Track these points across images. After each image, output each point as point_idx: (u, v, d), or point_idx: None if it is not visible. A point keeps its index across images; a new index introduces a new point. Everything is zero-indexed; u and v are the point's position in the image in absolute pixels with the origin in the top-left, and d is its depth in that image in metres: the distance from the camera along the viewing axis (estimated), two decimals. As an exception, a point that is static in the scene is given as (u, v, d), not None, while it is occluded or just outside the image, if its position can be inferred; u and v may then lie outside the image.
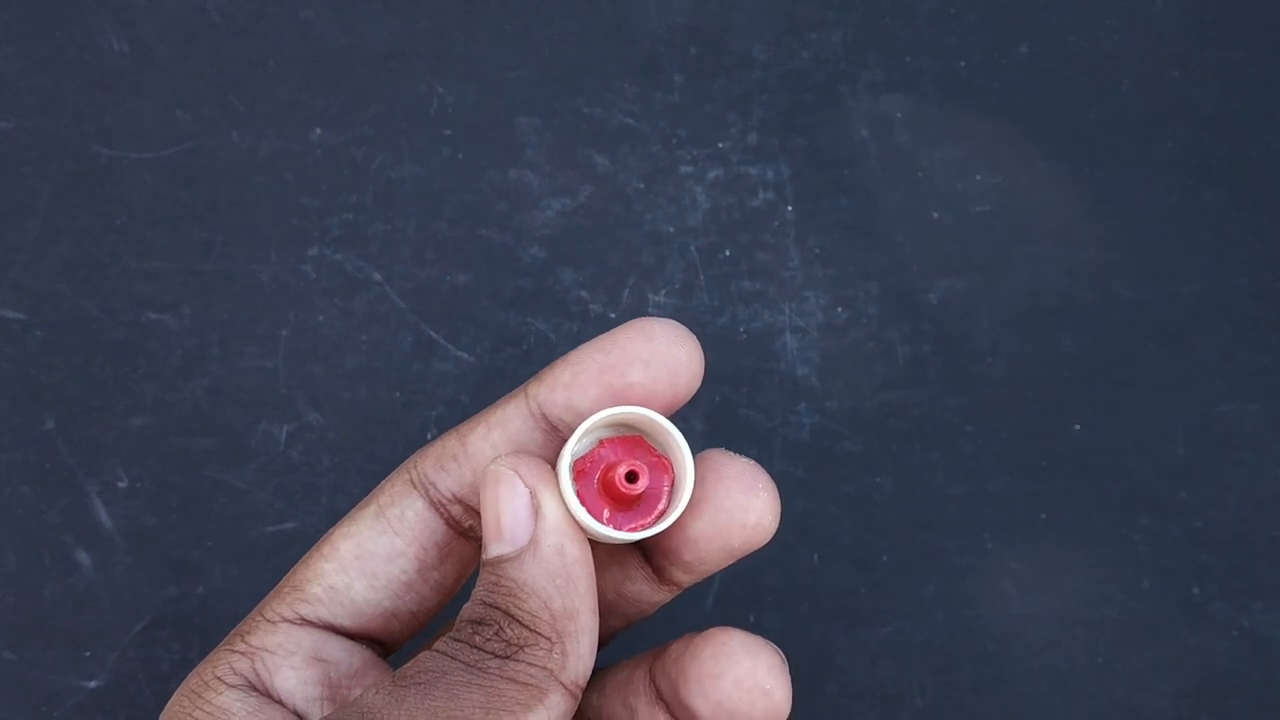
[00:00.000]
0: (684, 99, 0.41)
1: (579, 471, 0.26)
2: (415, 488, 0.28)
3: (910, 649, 0.39)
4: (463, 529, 0.28)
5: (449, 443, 0.28)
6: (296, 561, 0.39)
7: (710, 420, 0.40)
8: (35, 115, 0.40)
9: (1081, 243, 0.41)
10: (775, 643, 0.39)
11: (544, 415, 0.27)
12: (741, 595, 0.39)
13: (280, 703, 0.27)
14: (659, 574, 0.28)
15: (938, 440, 0.40)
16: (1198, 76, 0.42)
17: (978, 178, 0.42)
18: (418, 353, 0.40)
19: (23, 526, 0.39)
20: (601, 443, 0.26)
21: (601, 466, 0.26)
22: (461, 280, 0.40)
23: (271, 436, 0.40)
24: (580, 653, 0.25)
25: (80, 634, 0.39)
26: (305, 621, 0.28)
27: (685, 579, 0.28)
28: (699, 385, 0.27)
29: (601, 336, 0.27)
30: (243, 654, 0.27)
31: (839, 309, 0.41)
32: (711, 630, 0.27)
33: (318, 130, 0.41)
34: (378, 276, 0.40)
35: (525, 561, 0.25)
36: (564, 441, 0.27)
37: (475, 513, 0.28)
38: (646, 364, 0.26)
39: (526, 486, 0.25)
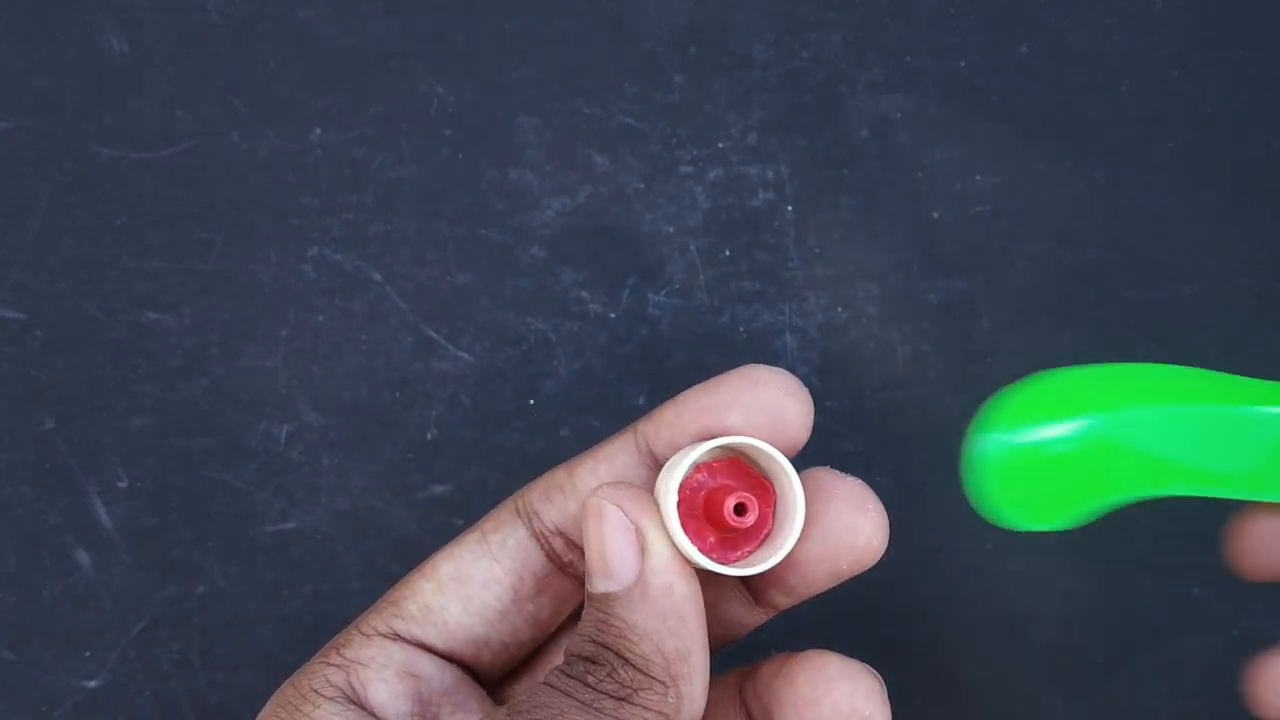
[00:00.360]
0: (684, 99, 0.41)
1: (679, 500, 0.25)
2: (519, 516, 0.28)
3: (910, 649, 0.39)
4: (562, 563, 0.28)
5: (557, 475, 0.28)
6: (295, 561, 0.39)
7: (710, 420, 0.40)
8: (35, 115, 0.40)
9: (1081, 243, 0.41)
10: (777, 644, 0.39)
11: (650, 452, 0.27)
12: (741, 595, 0.39)
13: (374, 716, 0.27)
14: (757, 596, 0.28)
15: (938, 440, 0.40)
16: (1198, 76, 0.42)
17: (978, 178, 0.42)
18: (418, 353, 0.40)
19: (23, 526, 0.39)
20: (699, 468, 0.26)
21: (703, 494, 0.25)
22: (461, 280, 0.40)
23: (271, 436, 0.40)
24: (694, 694, 0.25)
25: (80, 634, 0.39)
26: (399, 637, 0.28)
27: (785, 602, 0.28)
28: (807, 436, 0.26)
29: (711, 380, 0.27)
30: (338, 666, 0.27)
31: (839, 309, 0.41)
32: (807, 653, 0.27)
33: (318, 130, 0.41)
34: (378, 276, 0.40)
35: (634, 601, 0.25)
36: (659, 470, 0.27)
37: (576, 547, 0.28)
38: (747, 409, 0.26)
39: (631, 520, 0.25)
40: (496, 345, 0.40)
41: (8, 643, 0.39)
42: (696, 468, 0.26)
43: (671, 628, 0.25)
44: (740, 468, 0.26)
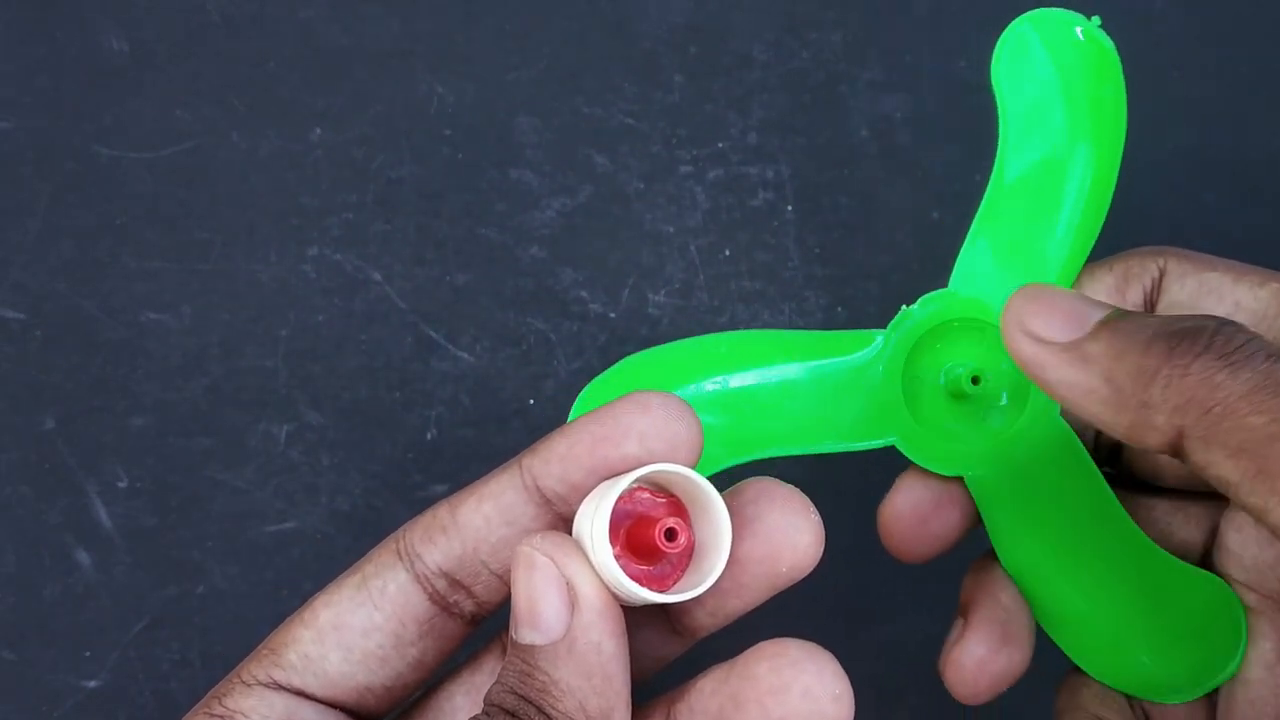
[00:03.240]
0: (684, 99, 0.41)
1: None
2: (401, 559, 0.27)
3: (910, 649, 0.39)
4: (446, 604, 0.27)
5: (440, 513, 0.27)
6: (295, 561, 0.39)
7: (710, 420, 0.40)
8: (35, 115, 0.40)
9: (1081, 243, 0.41)
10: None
11: (538, 488, 0.26)
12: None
13: None
14: (678, 620, 0.27)
15: (938, 440, 0.40)
16: (1198, 76, 0.42)
17: (977, 178, 0.42)
18: (418, 353, 0.40)
19: (23, 526, 0.39)
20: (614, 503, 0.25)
21: (625, 527, 0.25)
22: (461, 280, 0.40)
23: (271, 436, 0.40)
24: None
25: (80, 634, 0.39)
26: (279, 686, 0.27)
27: (708, 623, 0.27)
28: (697, 461, 0.26)
29: (598, 409, 0.26)
30: (220, 717, 0.27)
31: (839, 309, 0.41)
32: (761, 645, 0.26)
33: (318, 130, 0.41)
34: (377, 276, 0.40)
35: (560, 656, 0.24)
36: (558, 514, 0.26)
37: (462, 587, 0.27)
38: (643, 436, 0.25)
39: (563, 573, 0.24)
40: (496, 345, 0.40)
41: (8, 643, 0.39)
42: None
43: (596, 686, 0.24)
44: (655, 494, 0.25)
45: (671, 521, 0.24)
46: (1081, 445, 0.28)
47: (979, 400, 0.27)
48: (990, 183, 0.28)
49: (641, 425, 0.25)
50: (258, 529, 0.39)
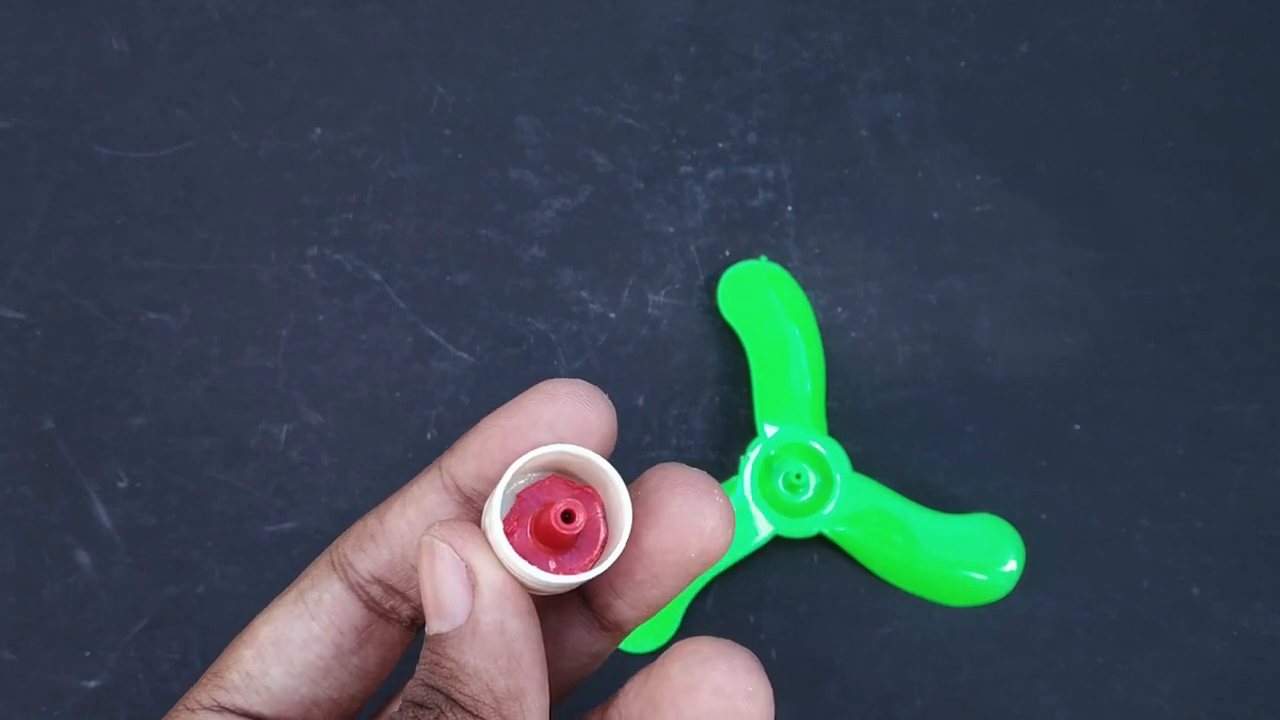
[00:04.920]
0: (684, 99, 0.41)
1: (509, 526, 0.25)
2: (335, 569, 0.27)
3: (910, 649, 0.39)
4: (383, 610, 0.27)
5: (369, 522, 0.27)
6: (295, 561, 0.39)
7: (710, 420, 0.40)
8: (35, 115, 0.40)
9: (1081, 243, 0.41)
10: (776, 643, 0.39)
11: (457, 487, 0.26)
12: (741, 596, 0.39)
13: None
14: (602, 614, 0.27)
15: (938, 440, 0.40)
16: (1198, 76, 0.42)
17: (978, 178, 0.42)
18: (418, 353, 0.40)
19: (23, 526, 0.39)
20: (524, 492, 0.25)
21: (532, 515, 0.25)
22: (461, 280, 0.40)
23: (271, 436, 0.40)
24: None
25: (80, 634, 0.39)
26: (223, 709, 0.27)
27: (631, 615, 0.27)
28: (613, 445, 0.26)
29: (508, 403, 0.26)
30: None
31: (839, 309, 0.41)
32: (676, 645, 0.25)
33: (318, 130, 0.41)
34: (377, 276, 0.40)
35: (464, 640, 0.24)
36: (479, 511, 0.26)
37: (396, 593, 0.27)
38: (551, 426, 0.25)
39: (461, 558, 0.24)
40: (496, 345, 0.40)
41: (8, 643, 0.39)
42: (521, 494, 0.25)
43: (503, 667, 0.24)
44: (563, 483, 0.25)
45: (566, 503, 0.24)
46: (875, 484, 0.39)
47: (804, 487, 0.39)
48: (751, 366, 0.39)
49: (549, 414, 0.25)
50: (258, 529, 0.39)
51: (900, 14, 0.42)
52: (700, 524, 0.26)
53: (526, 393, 0.26)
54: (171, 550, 0.39)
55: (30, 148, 0.40)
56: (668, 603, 0.27)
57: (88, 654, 0.39)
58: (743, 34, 0.42)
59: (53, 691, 0.38)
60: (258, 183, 0.40)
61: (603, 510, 0.25)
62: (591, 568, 0.25)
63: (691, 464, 0.40)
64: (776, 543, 0.39)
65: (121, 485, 0.39)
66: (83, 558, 0.39)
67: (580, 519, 0.24)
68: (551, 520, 0.24)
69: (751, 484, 0.39)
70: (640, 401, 0.40)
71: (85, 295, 0.40)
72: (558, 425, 0.25)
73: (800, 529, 0.39)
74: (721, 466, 0.40)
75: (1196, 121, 0.42)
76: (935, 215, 0.41)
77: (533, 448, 0.25)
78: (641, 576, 0.26)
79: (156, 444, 0.39)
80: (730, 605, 0.39)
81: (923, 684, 0.39)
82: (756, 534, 0.39)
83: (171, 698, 0.39)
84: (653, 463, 0.40)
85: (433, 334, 0.40)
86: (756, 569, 0.39)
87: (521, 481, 0.25)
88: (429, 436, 0.40)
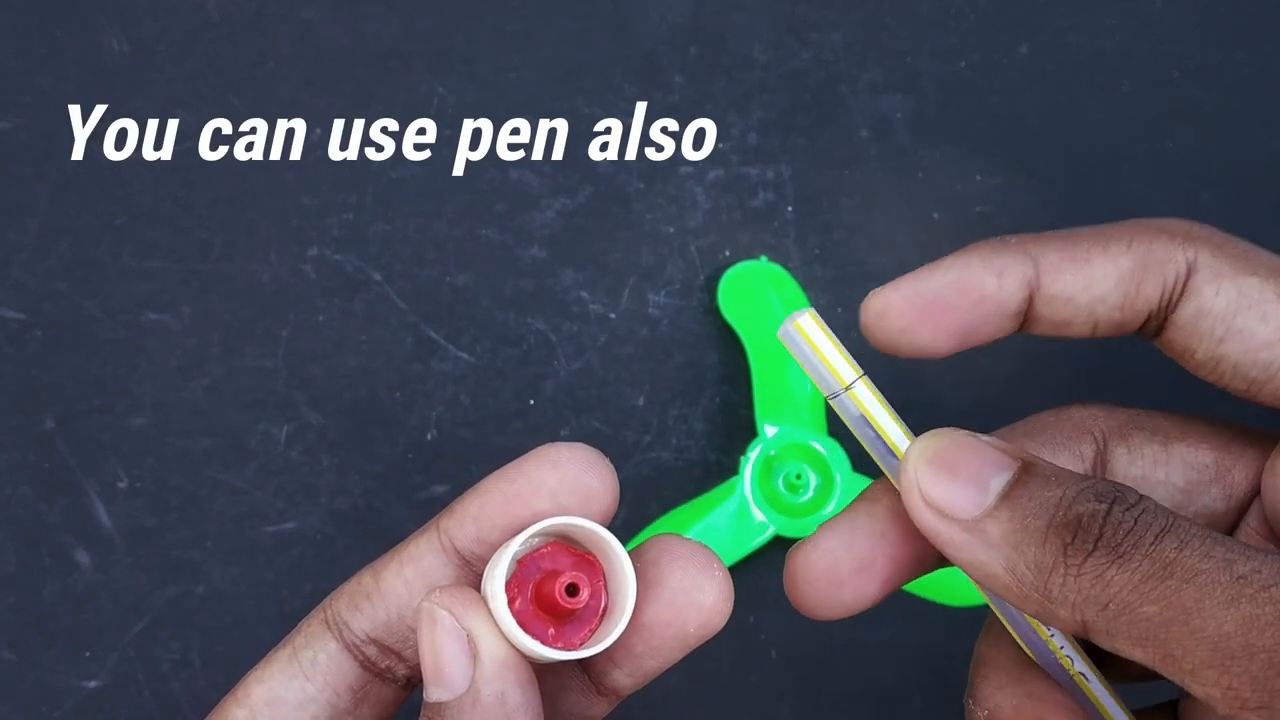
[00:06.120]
0: (684, 99, 0.41)
1: (510, 593, 0.25)
2: (329, 628, 0.27)
3: (910, 649, 0.39)
4: (378, 670, 0.27)
5: (364, 580, 0.27)
6: (295, 561, 0.39)
7: (711, 421, 0.40)
8: (35, 115, 0.40)
9: (1081, 243, 0.41)
10: (776, 643, 0.39)
11: (455, 549, 0.26)
12: (741, 596, 0.39)
13: None
14: (599, 681, 0.27)
15: (938, 440, 0.40)
16: (1198, 76, 0.42)
17: (978, 178, 0.42)
18: (418, 353, 0.40)
19: (23, 526, 0.39)
20: (525, 558, 0.25)
21: (534, 583, 0.25)
22: (461, 280, 0.40)
23: (271, 436, 0.40)
24: None
25: (80, 634, 0.39)
26: None
27: (627, 683, 0.27)
28: (615, 510, 0.25)
29: (509, 465, 0.25)
30: None
31: (839, 309, 0.41)
32: None
33: (318, 130, 0.41)
34: (378, 276, 0.40)
35: (465, 710, 0.24)
36: (478, 575, 0.26)
37: (392, 653, 0.27)
38: (554, 493, 0.25)
39: (462, 626, 0.24)
40: (496, 345, 0.40)
41: (8, 643, 0.39)
42: (522, 559, 0.25)
43: None
44: (565, 550, 0.25)
45: (571, 576, 0.24)
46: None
47: (804, 487, 0.39)
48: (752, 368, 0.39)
49: (552, 481, 0.25)
50: (258, 529, 0.39)
51: (900, 14, 0.42)
52: (700, 599, 0.26)
53: (527, 456, 0.25)
54: (171, 550, 0.39)
55: (30, 148, 0.40)
56: (664, 670, 0.27)
57: (88, 654, 0.39)
58: (743, 34, 0.42)
59: (53, 691, 0.38)
60: (258, 183, 0.40)
61: (604, 580, 0.25)
62: (591, 637, 0.25)
63: (691, 464, 0.40)
64: (776, 543, 0.39)
65: (121, 485, 0.39)
66: (83, 558, 0.39)
67: (585, 593, 0.24)
68: (556, 593, 0.24)
69: (751, 484, 0.39)
70: (640, 401, 0.40)
71: (85, 295, 0.40)
72: (560, 492, 0.25)
73: (800, 529, 0.38)
74: (721, 466, 0.40)
75: (1196, 121, 0.42)
76: (935, 215, 0.41)
77: (534, 515, 0.25)
78: (640, 649, 0.26)
79: (156, 444, 0.39)
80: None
81: (923, 684, 0.39)
82: (756, 534, 0.39)
83: (172, 698, 0.39)
84: (653, 463, 0.40)
85: (433, 334, 0.40)
86: (756, 569, 0.39)
87: (522, 546, 0.25)
88: (429, 437, 0.40)
